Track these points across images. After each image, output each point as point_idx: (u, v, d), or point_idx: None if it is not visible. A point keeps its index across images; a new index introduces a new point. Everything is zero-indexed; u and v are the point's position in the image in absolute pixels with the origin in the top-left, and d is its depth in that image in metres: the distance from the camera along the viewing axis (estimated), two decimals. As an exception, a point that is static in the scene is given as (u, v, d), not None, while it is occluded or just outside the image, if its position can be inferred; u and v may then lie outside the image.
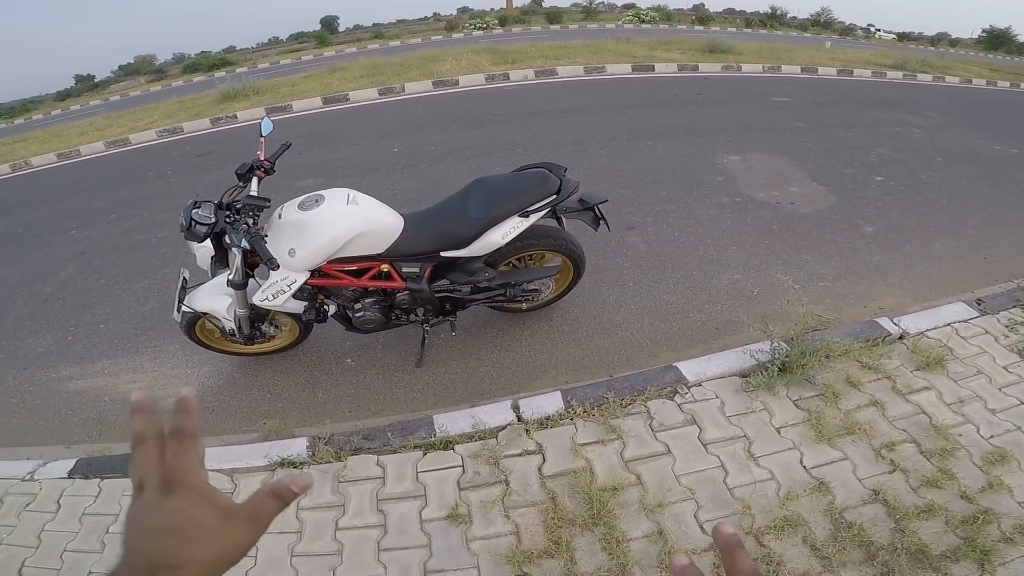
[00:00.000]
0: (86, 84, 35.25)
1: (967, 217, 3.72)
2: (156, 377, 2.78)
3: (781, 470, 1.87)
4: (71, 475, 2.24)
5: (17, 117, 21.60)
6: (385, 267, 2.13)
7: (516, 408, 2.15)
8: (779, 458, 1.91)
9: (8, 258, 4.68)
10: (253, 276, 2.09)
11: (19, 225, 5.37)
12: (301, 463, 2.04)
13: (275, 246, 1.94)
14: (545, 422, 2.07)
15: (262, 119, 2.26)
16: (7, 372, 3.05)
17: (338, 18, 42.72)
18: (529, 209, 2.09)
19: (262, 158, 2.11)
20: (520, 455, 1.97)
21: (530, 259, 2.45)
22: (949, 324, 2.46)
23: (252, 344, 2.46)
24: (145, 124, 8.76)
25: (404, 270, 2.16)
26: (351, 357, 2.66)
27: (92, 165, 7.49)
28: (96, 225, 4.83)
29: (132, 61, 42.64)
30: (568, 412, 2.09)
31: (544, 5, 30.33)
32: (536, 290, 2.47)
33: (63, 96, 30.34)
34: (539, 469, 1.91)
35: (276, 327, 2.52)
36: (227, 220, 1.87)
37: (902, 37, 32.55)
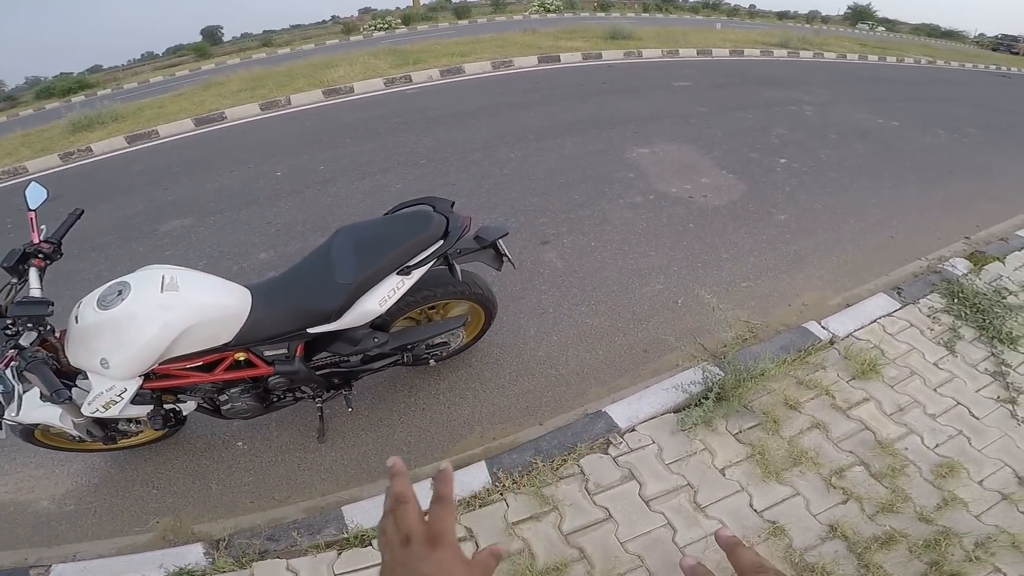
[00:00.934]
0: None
1: (868, 195, 3.80)
2: (19, 479, 2.22)
3: (731, 518, 1.71)
4: None
5: None
6: (241, 355, 1.70)
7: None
8: (727, 504, 1.76)
9: None
10: (74, 384, 1.57)
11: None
12: (201, 574, 1.72)
13: (82, 356, 1.50)
14: (472, 501, 1.81)
15: (27, 187, 1.69)
16: None
17: (221, 28, 39.00)
18: (410, 263, 1.71)
19: (36, 240, 1.58)
20: None
21: (431, 308, 2.08)
22: (875, 320, 2.42)
23: (114, 442, 1.92)
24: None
25: (267, 354, 1.73)
26: (242, 440, 2.23)
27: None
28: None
29: (-44, 91, 36.53)
30: (496, 486, 1.84)
31: (453, 0, 29.56)
32: (443, 343, 2.10)
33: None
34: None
35: (137, 421, 1.99)
36: (8, 331, 1.38)
37: (781, 16, 35.23)
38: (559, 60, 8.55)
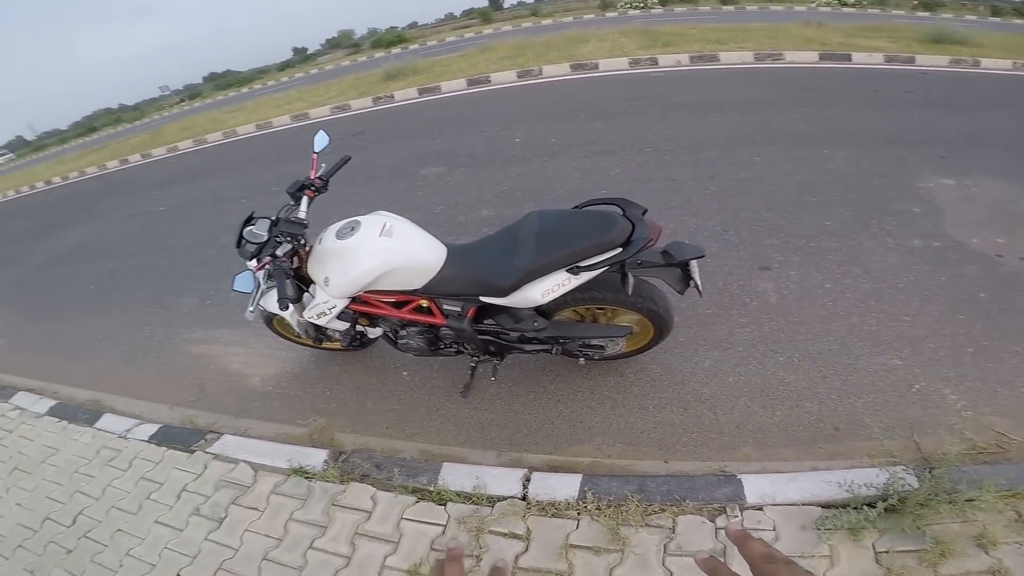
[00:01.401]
0: (300, 56, 41.87)
1: None
2: (253, 353, 3.10)
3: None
4: (150, 439, 2.62)
5: (244, 86, 26.70)
6: (424, 302, 1.98)
7: (526, 481, 1.92)
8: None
9: (192, 219, 5.71)
10: (307, 290, 2.07)
11: (209, 190, 6.54)
12: (310, 476, 2.15)
13: (316, 271, 1.94)
14: (548, 508, 1.81)
15: (315, 133, 2.19)
16: (160, 328, 3.69)
17: None
18: (581, 264, 1.69)
19: (313, 176, 2.07)
20: (505, 535, 1.78)
21: (599, 309, 2.03)
22: None
23: (320, 344, 2.53)
24: (324, 100, 9.94)
25: (445, 307, 1.97)
26: (408, 371, 2.62)
27: (278, 137, 8.80)
28: (260, 196, 5.61)
29: (336, 35, 49.31)
30: (579, 504, 1.79)
31: None
32: (599, 347, 2.05)
33: (283, 67, 36.44)
34: (516, 558, 1.70)
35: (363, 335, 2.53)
36: (277, 240, 1.86)
37: None
38: (849, 59, 6.97)
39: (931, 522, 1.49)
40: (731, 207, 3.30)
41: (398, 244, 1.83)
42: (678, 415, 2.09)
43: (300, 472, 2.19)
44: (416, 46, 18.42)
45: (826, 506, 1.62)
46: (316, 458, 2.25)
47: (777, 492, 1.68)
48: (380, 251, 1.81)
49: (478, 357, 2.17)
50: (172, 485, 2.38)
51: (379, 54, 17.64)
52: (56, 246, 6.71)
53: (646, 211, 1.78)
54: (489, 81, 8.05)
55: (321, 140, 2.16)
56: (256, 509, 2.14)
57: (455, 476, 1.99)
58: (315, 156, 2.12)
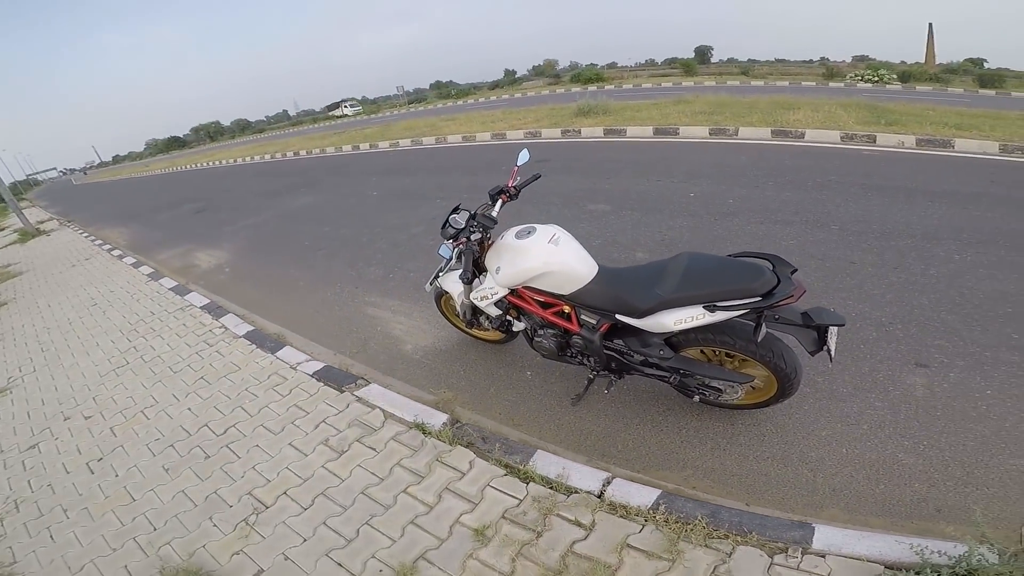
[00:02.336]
0: (509, 78, 47.35)
1: None
2: (414, 325, 3.89)
3: None
4: (313, 375, 3.35)
5: (460, 98, 31.26)
6: (567, 308, 2.39)
7: (606, 483, 2.15)
8: None
9: (395, 207, 7.05)
10: (480, 276, 2.59)
11: (414, 186, 8.01)
12: (427, 432, 2.58)
13: (492, 261, 2.51)
14: (619, 508, 2.01)
15: (521, 150, 2.79)
16: (347, 287, 4.78)
17: (712, 48, 42.98)
18: (718, 303, 1.90)
19: (510, 184, 2.68)
20: (570, 521, 1.99)
21: (729, 356, 2.21)
22: None
23: (471, 328, 3.17)
24: (521, 124, 11.44)
25: (583, 317, 2.36)
26: (532, 371, 3.10)
27: (478, 151, 10.31)
28: (452, 199, 6.79)
29: (541, 63, 54.62)
30: (649, 513, 1.97)
31: (987, 67, 22.35)
32: (717, 390, 2.27)
33: (493, 86, 41.59)
34: (573, 543, 1.91)
35: (489, 320, 2.94)
36: (472, 228, 2.48)
37: None
38: None
39: None
40: (907, 302, 3.24)
41: (560, 252, 2.25)
42: (776, 468, 2.23)
43: (420, 427, 2.58)
44: (611, 87, 19.58)
45: (891, 567, 1.67)
46: (437, 419, 2.66)
47: (845, 544, 1.76)
48: (545, 254, 2.24)
49: (597, 372, 2.51)
50: (315, 416, 2.83)
51: (576, 88, 19.24)
52: (288, 205, 8.85)
53: (795, 271, 1.92)
54: (677, 133, 8.43)
55: (524, 156, 2.75)
56: (374, 450, 2.50)
57: (545, 462, 2.29)
58: (516, 168, 2.72)
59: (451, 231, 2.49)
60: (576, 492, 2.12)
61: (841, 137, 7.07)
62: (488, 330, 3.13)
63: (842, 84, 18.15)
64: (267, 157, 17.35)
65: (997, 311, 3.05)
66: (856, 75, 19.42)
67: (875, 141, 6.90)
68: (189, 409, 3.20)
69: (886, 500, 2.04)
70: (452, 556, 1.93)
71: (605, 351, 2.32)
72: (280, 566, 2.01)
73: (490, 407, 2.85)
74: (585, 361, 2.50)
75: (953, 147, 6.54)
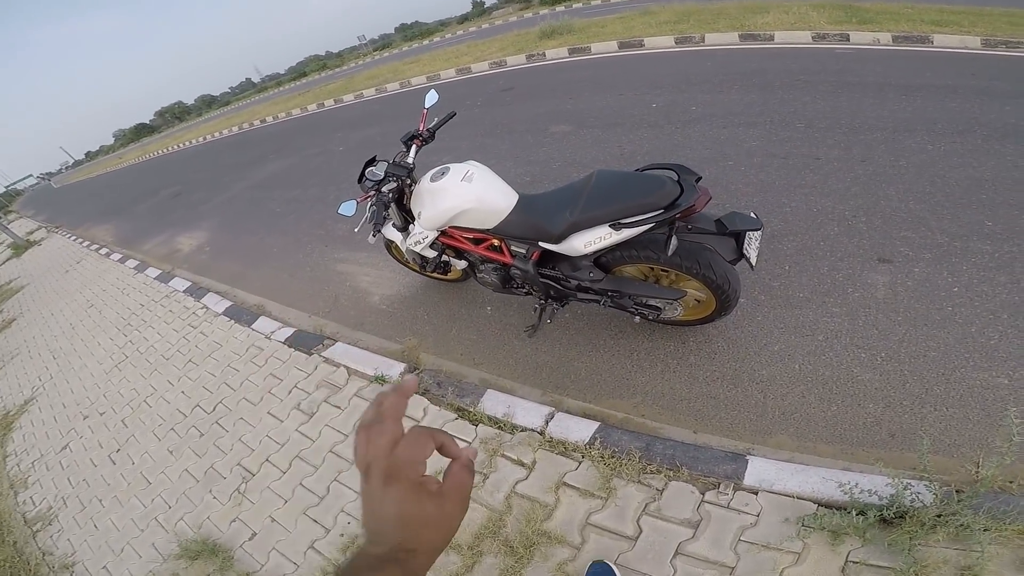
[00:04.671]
0: (478, 9, 43.79)
1: None
2: (380, 275, 3.70)
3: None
4: (286, 341, 3.28)
5: (427, 37, 29.07)
6: (496, 241, 2.25)
7: (549, 418, 2.11)
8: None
9: (359, 159, 6.71)
10: (412, 222, 2.50)
11: (379, 134, 7.53)
12: (385, 383, 2.55)
13: (415, 206, 2.36)
14: (558, 445, 1.98)
15: (428, 91, 2.53)
16: (317, 246, 4.55)
17: None
18: (623, 220, 1.76)
19: (421, 128, 2.45)
20: (514, 461, 1.98)
21: (664, 273, 2.06)
22: None
23: (425, 271, 2.97)
24: (486, 55, 10.55)
25: (513, 248, 2.21)
26: (492, 306, 2.95)
27: (443, 89, 9.47)
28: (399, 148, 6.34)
29: (510, -13, 50.10)
30: (586, 448, 1.92)
31: None
32: (655, 308, 2.12)
33: (462, 20, 38.46)
34: (515, 483, 1.90)
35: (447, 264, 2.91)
36: (389, 178, 2.32)
37: None
38: None
39: (923, 543, 1.36)
40: (873, 193, 2.93)
41: (475, 188, 2.14)
42: (725, 390, 2.07)
43: (380, 380, 2.60)
44: (580, 5, 18.08)
45: (825, 505, 1.54)
46: (395, 370, 2.66)
47: (778, 480, 1.64)
48: (461, 193, 2.15)
49: (543, 300, 2.38)
50: (288, 382, 2.86)
51: (544, 11, 17.70)
52: (258, 175, 8.45)
53: (700, 178, 1.78)
54: (642, 45, 7.77)
55: (431, 98, 2.51)
56: (339, 408, 2.53)
57: (493, 402, 2.26)
58: (425, 111, 2.50)
59: (369, 183, 2.37)
60: (522, 430, 2.08)
61: (812, 37, 6.45)
62: (446, 273, 3.00)
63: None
64: (235, 129, 16.38)
65: (971, 198, 2.75)
66: None
67: (848, 40, 6.30)
68: (183, 392, 3.25)
69: (838, 423, 1.85)
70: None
71: (541, 279, 2.22)
72: (268, 528, 2.13)
73: (452, 349, 2.78)
74: (531, 291, 2.41)
75: (932, 43, 5.95)
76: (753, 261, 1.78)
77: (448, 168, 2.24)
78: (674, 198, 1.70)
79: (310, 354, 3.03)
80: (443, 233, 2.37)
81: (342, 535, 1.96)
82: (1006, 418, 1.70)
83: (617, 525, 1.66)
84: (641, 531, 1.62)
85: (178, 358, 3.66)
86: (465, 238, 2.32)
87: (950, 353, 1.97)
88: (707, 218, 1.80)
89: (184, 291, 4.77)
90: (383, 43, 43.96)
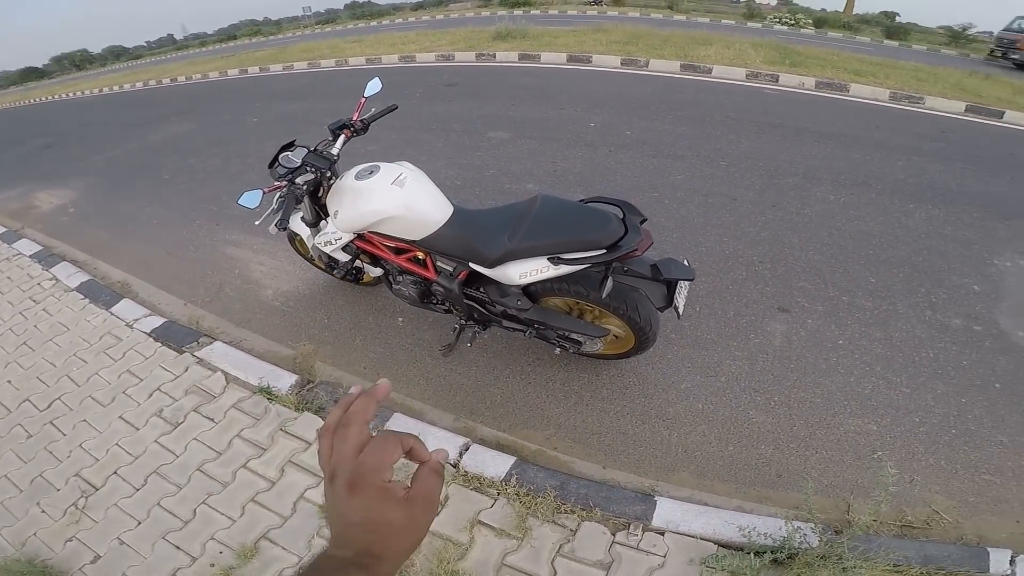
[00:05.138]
0: (436, -1, 42.50)
1: None
2: (276, 265, 3.34)
3: None
4: (151, 333, 2.80)
5: (375, 19, 27.72)
6: (420, 254, 2.08)
7: (463, 450, 1.99)
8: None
9: (275, 135, 6.10)
10: (325, 218, 2.23)
11: (301, 111, 6.95)
12: (272, 398, 2.27)
13: (332, 203, 2.10)
14: (472, 480, 1.88)
15: (371, 79, 2.33)
16: (207, 224, 4.02)
17: None
18: (562, 256, 1.70)
19: (355, 118, 2.22)
20: None
21: (588, 307, 2.03)
22: None
23: (332, 272, 2.72)
24: (434, 46, 10.18)
25: (439, 264, 2.07)
26: (404, 318, 2.75)
27: (381, 74, 9.02)
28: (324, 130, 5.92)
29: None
30: (502, 485, 1.85)
31: (899, 20, 22.77)
32: (576, 342, 2.09)
33: (416, 7, 37.12)
34: None
35: (359, 270, 2.67)
36: (306, 168, 2.03)
37: None
38: (1000, 117, 6.00)
39: None
40: (780, 240, 3.09)
41: (407, 194, 1.93)
42: (634, 426, 2.10)
43: (265, 392, 2.29)
44: (538, 12, 18.12)
45: (725, 546, 1.61)
46: (285, 381, 2.35)
47: (683, 522, 1.69)
48: (389, 197, 1.92)
49: (464, 321, 2.25)
50: (149, 383, 2.47)
51: (502, 12, 17.51)
52: (153, 136, 7.48)
53: (645, 220, 1.76)
54: (590, 61, 7.87)
55: (373, 86, 2.31)
56: (212, 420, 2.24)
57: (401, 427, 2.08)
58: (363, 100, 2.27)
59: (282, 170, 2.05)
60: None
61: (747, 75, 6.84)
62: (358, 276, 2.77)
63: (760, 25, 17.92)
64: (139, 85, 14.50)
65: (860, 252, 2.99)
66: (775, 17, 19.18)
67: (778, 80, 6.76)
68: (9, 382, 2.67)
69: (734, 463, 1.94)
70: (297, 535, 1.78)
71: (466, 300, 2.09)
72: (116, 551, 1.85)
73: (355, 361, 2.55)
74: (451, 309, 2.27)
75: (848, 91, 6.55)
76: (681, 310, 1.80)
77: (378, 167, 2.00)
78: (617, 238, 1.66)
79: (181, 351, 2.64)
80: (360, 236, 2.16)
81: (212, 565, 1.74)
82: (874, 462, 1.82)
83: (533, 567, 1.62)
84: (556, 573, 1.61)
85: (8, 339, 2.99)
86: (385, 245, 2.13)
87: (831, 400, 2.14)
88: (643, 261, 1.78)
89: (31, 256, 3.93)
90: (328, 18, 41.42)
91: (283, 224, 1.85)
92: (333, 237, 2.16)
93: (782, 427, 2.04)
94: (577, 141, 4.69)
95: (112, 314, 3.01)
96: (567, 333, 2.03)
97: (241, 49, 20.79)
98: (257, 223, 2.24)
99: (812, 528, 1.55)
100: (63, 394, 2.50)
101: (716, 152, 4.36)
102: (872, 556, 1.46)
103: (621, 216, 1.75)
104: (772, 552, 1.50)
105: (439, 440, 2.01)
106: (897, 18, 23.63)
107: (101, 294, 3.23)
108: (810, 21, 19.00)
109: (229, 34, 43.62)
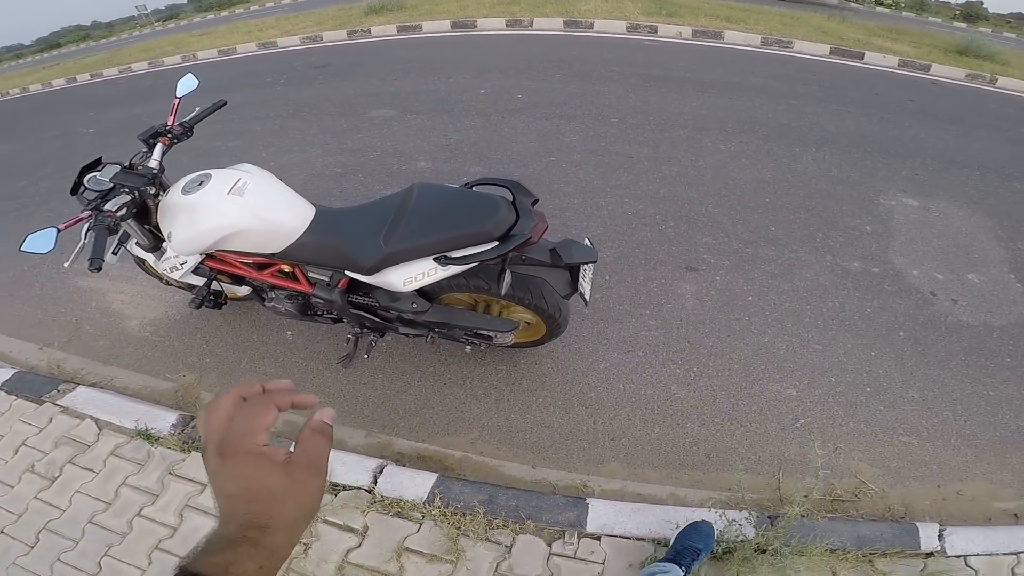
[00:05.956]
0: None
1: None
2: (138, 292, 2.83)
3: None
4: (2, 386, 2.36)
5: (227, 8, 24.74)
6: (287, 267, 1.77)
7: (378, 473, 1.79)
8: None
9: (116, 145, 5.20)
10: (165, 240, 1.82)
11: (145, 115, 5.90)
12: (153, 440, 2.02)
13: (163, 223, 1.72)
14: (392, 505, 1.71)
15: (183, 77, 1.95)
16: (49, 255, 3.20)
17: None
18: (450, 255, 1.50)
19: (171, 122, 1.82)
20: (341, 527, 1.69)
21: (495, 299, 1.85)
22: (1015, 553, 1.54)
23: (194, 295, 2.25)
24: (298, 29, 9.18)
25: (311, 275, 1.77)
26: (292, 331, 2.43)
27: (236, 64, 8.11)
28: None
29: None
30: (426, 507, 1.70)
31: None
32: (486, 337, 1.90)
33: (276, -9, 33.70)
34: (347, 552, 1.64)
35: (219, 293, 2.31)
36: (122, 191, 1.60)
37: None
38: (861, 58, 6.55)
39: (751, 573, 1.42)
40: (679, 196, 3.05)
41: (249, 204, 1.59)
42: (558, 417, 1.96)
43: (144, 435, 2.06)
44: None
45: (664, 545, 1.53)
46: (165, 421, 2.09)
47: (617, 524, 1.60)
48: (226, 210, 1.58)
49: (358, 330, 1.98)
50: (12, 439, 2.21)
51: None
52: None
53: (536, 201, 1.59)
54: (475, 26, 7.48)
55: (187, 84, 1.94)
56: (91, 470, 2.04)
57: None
58: (177, 101, 1.88)
59: (89, 196, 1.59)
60: (346, 489, 1.77)
61: (627, 27, 6.85)
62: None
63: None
64: None
65: (757, 201, 3.00)
66: None
67: (656, 32, 6.82)
68: None
69: (661, 446, 1.85)
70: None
71: (352, 310, 1.82)
72: None
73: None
74: (340, 319, 1.99)
75: (723, 39, 6.75)
76: (587, 296, 1.66)
77: (209, 176, 1.65)
78: (509, 226, 1.48)
79: (40, 402, 2.32)
80: (210, 256, 1.80)
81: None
82: (798, 431, 1.76)
83: (472, 591, 1.49)
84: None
85: None
86: (242, 263, 1.79)
87: (749, 366, 2.11)
88: (542, 246, 1.60)
89: None
90: (169, 14, 36.44)
91: (96, 264, 1.43)
92: (178, 262, 1.79)
93: (704, 401, 1.97)
94: (468, 110, 4.39)
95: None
96: (474, 331, 1.83)
97: (67, 57, 17.76)
98: (66, 264, 1.79)
99: (747, 518, 1.49)
100: None
101: (607, 109, 4.27)
102: (808, 546, 1.42)
103: (511, 199, 1.56)
104: (717, 546, 1.44)
105: (348, 465, 1.82)
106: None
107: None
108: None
109: (51, 43, 36.98)
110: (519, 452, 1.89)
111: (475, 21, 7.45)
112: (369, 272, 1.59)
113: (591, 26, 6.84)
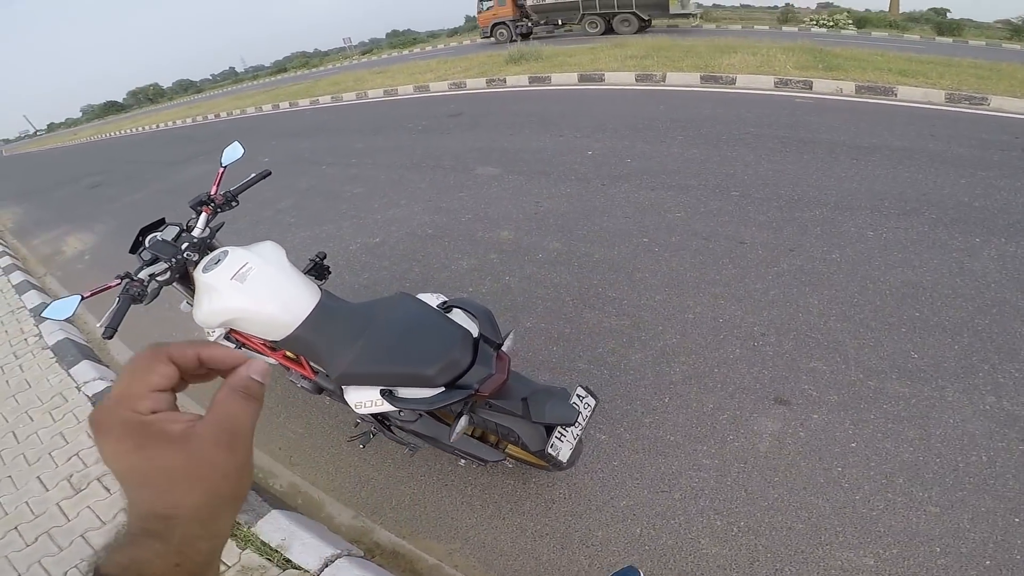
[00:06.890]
0: (470, 24, 43.76)
1: None
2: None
3: None
4: (93, 397, 2.69)
5: (409, 47, 28.72)
6: (292, 354, 1.79)
7: (327, 562, 1.67)
8: None
9: (288, 175, 6.11)
10: None
11: (308, 151, 6.96)
12: None
13: (195, 294, 1.79)
14: None
15: (228, 145, 2.02)
16: None
17: None
18: (396, 393, 1.40)
19: (215, 191, 1.92)
20: None
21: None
22: None
23: None
24: (449, 75, 10.13)
25: (312, 364, 1.75)
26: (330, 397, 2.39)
27: (396, 105, 9.22)
28: (338, 165, 5.79)
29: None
30: None
31: (949, 16, 20.84)
32: (480, 460, 1.71)
33: (452, 32, 38.27)
34: None
35: None
36: (161, 260, 1.71)
37: None
38: None
39: None
40: (793, 301, 2.47)
41: (248, 292, 1.60)
42: (550, 552, 1.67)
43: None
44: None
45: None
46: None
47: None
48: (227, 295, 1.59)
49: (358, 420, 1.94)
50: (73, 447, 2.38)
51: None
52: (179, 176, 7.77)
53: (501, 344, 1.43)
54: (602, 79, 7.47)
55: (232, 153, 2.00)
56: (107, 491, 2.13)
57: (272, 526, 1.85)
58: (222, 170, 1.97)
59: (148, 255, 1.69)
60: (293, 568, 1.68)
61: (775, 83, 6.16)
62: None
63: (796, 28, 16.64)
64: (188, 121, 15.62)
65: (903, 315, 2.32)
66: (812, 19, 17.75)
67: (811, 87, 6.03)
68: None
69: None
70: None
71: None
72: None
73: (272, 439, 2.30)
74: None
75: (895, 95, 5.70)
76: (564, 459, 1.41)
77: (225, 254, 1.70)
78: (459, 372, 1.34)
79: None
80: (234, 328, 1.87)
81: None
82: None
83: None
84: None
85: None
86: (255, 341, 1.83)
87: (821, 525, 1.59)
88: (518, 389, 1.42)
89: (30, 309, 3.94)
90: (369, 47, 43.20)
91: (108, 332, 1.53)
92: (207, 332, 1.88)
93: (738, 563, 1.51)
94: (569, 174, 4.26)
95: (69, 374, 2.98)
96: (463, 450, 1.66)
97: (286, 82, 22.02)
98: (99, 325, 2.00)
99: None
100: (3, 449, 2.49)
101: (728, 179, 3.79)
102: None
103: (475, 335, 1.42)
104: None
105: (304, 547, 1.72)
106: (948, 14, 21.66)
107: (68, 353, 3.19)
108: (851, 21, 17.50)
109: (281, 66, 46.70)
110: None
111: (603, 74, 7.44)
112: (335, 384, 1.54)
113: (732, 81, 6.32)
